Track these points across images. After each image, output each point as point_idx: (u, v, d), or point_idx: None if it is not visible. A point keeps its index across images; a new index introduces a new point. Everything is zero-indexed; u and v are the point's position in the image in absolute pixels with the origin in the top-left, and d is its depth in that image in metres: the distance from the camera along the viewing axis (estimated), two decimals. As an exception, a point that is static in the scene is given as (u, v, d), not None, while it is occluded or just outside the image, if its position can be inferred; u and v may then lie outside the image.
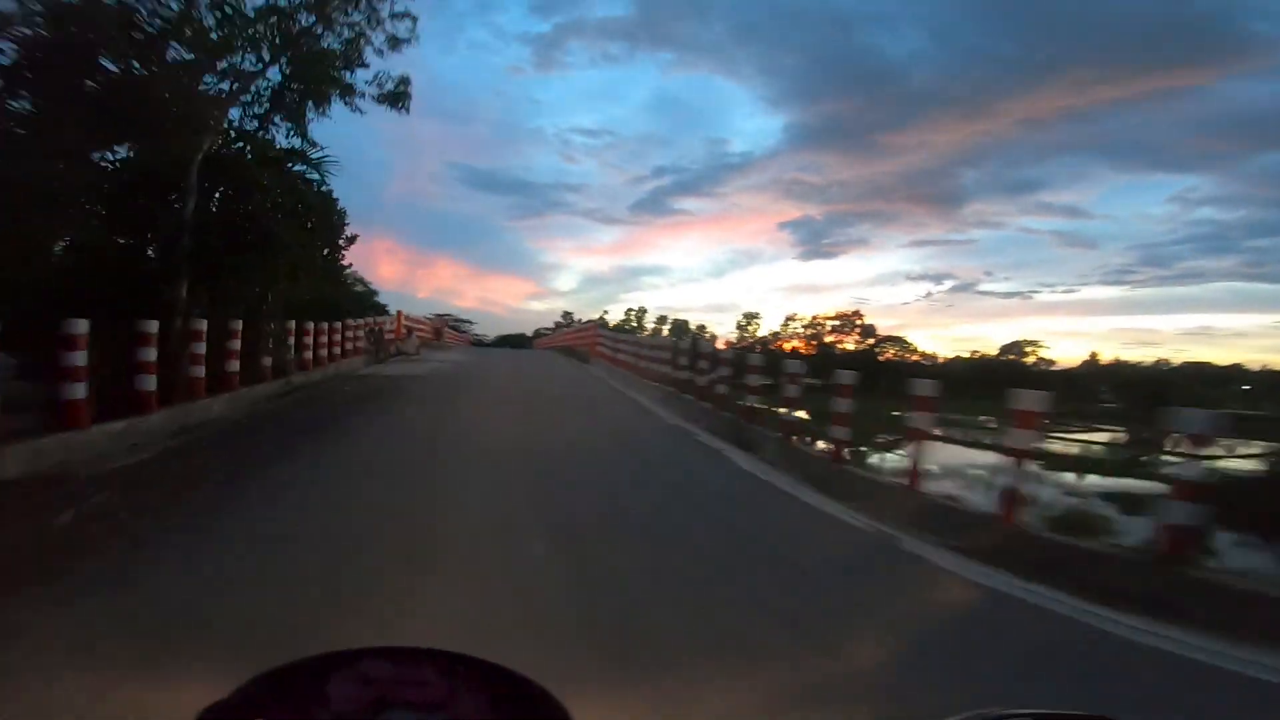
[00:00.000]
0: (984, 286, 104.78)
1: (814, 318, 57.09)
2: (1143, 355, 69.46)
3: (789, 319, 58.40)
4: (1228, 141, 77.59)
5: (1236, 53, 71.90)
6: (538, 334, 73.91)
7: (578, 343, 26.46)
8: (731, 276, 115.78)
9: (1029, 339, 55.44)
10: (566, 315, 75.40)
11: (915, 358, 54.82)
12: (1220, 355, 68.90)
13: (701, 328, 71.29)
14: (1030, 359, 53.79)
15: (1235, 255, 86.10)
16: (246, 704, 0.49)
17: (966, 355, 61.25)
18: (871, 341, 54.79)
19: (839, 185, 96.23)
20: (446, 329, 33.46)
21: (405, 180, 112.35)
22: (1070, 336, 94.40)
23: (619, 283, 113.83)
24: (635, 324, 69.60)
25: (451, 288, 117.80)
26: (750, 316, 65.29)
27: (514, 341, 69.45)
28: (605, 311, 74.06)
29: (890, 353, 53.14)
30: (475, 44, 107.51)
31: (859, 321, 54.89)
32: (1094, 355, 58.02)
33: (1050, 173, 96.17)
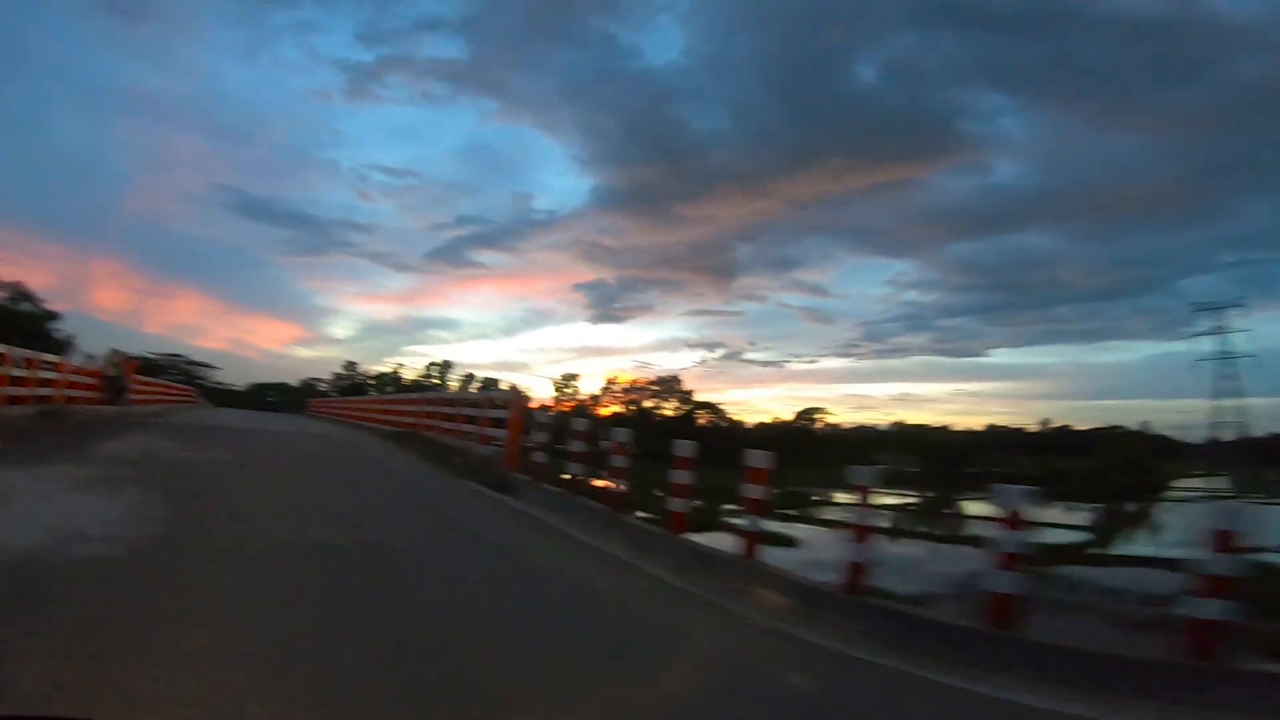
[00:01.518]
0: (748, 355, 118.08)
1: (633, 381, 58.44)
2: (863, 418, 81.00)
3: (609, 382, 59.23)
4: (931, 230, 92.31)
5: (946, 149, 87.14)
6: (307, 389, 62.03)
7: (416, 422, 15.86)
8: (523, 335, 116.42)
9: (815, 406, 62.43)
10: (350, 365, 66.80)
11: (725, 423, 58.64)
12: (918, 418, 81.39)
13: (514, 387, 69.58)
14: (819, 424, 60.40)
15: (929, 332, 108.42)
16: None
17: (767, 421, 67.16)
18: (687, 407, 57.56)
19: (633, 251, 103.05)
20: (130, 374, 18.35)
21: (149, 196, 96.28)
22: (811, 402, 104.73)
23: (404, 334, 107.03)
24: (437, 379, 64.90)
25: (194, 324, 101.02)
26: (569, 378, 64.98)
27: (271, 397, 57.46)
28: (399, 365, 68.29)
29: (705, 418, 56.13)
30: (281, 61, 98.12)
31: (678, 387, 57.13)
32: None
33: (805, 252, 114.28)
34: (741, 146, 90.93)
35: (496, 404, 11.00)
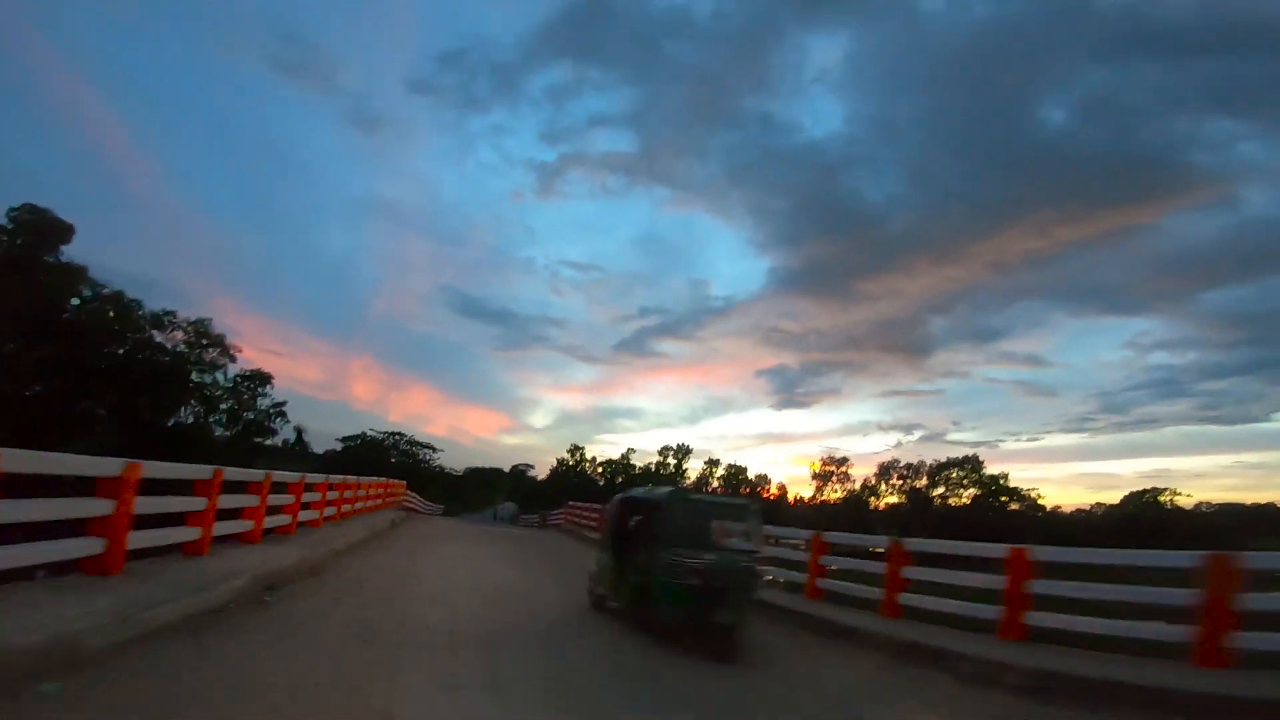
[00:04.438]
0: (952, 436, 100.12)
1: (931, 464, 50.56)
2: (1104, 498, 64.57)
3: (883, 468, 52.77)
4: (1175, 281, 75.29)
5: (1178, 189, 70.73)
6: (519, 477, 58.62)
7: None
8: (705, 422, 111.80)
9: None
10: (628, 455, 61.32)
11: (1035, 511, 48.29)
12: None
13: (764, 477, 64.82)
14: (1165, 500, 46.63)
15: (1188, 398, 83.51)
16: None
17: (1085, 507, 53.56)
18: (981, 490, 48.72)
19: (815, 333, 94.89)
20: (384, 488, 18.51)
21: (392, 298, 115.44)
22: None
23: (593, 423, 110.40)
24: (673, 469, 63.16)
25: (424, 413, 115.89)
26: (836, 462, 58.84)
27: (495, 496, 57.19)
28: (629, 451, 65.34)
29: (1010, 504, 46.90)
30: (482, 165, 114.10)
31: (981, 471, 48.21)
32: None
33: (1013, 320, 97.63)
34: (922, 210, 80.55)
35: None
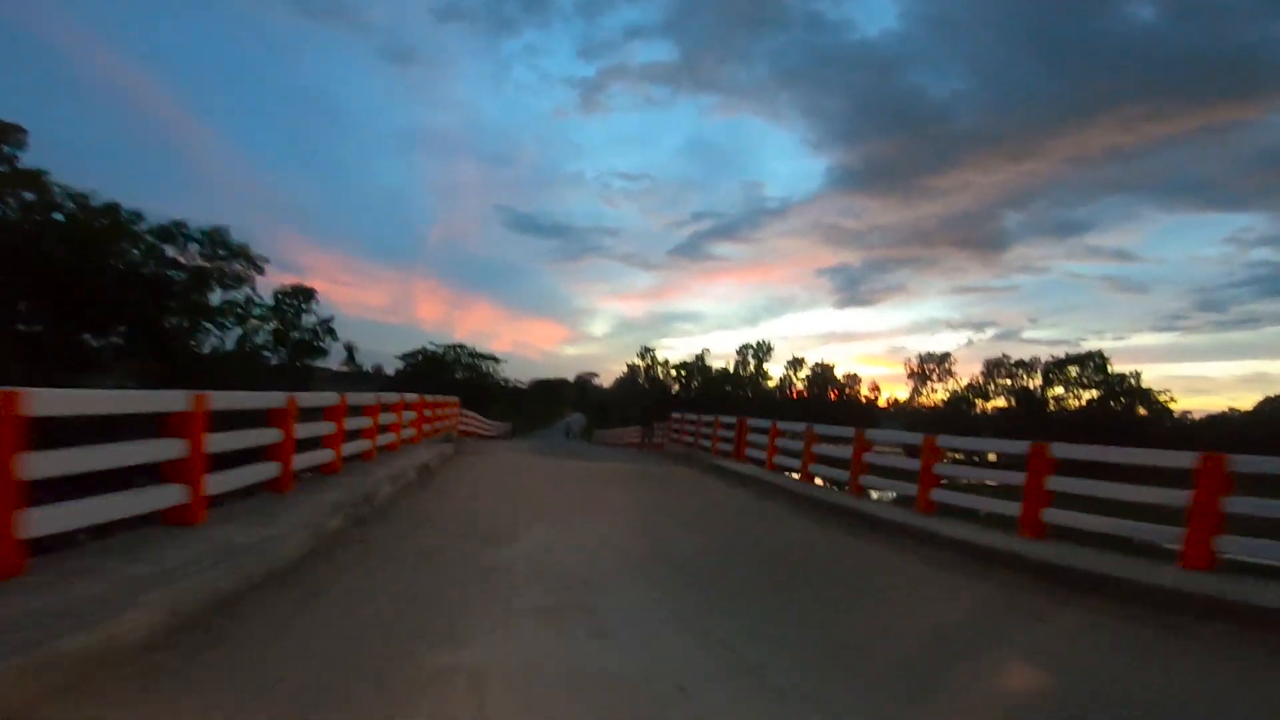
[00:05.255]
0: (1028, 334, 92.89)
1: (1047, 359, 46.27)
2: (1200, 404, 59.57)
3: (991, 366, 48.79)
4: None
5: None
6: (584, 395, 52.83)
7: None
8: (765, 323, 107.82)
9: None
10: (703, 356, 56.77)
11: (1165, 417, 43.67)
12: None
13: (855, 376, 61.45)
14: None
15: None
16: None
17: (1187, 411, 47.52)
18: (1099, 395, 44.33)
19: (878, 230, 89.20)
20: (448, 409, 16.49)
21: (449, 223, 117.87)
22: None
23: (651, 328, 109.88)
24: (753, 370, 60.02)
25: (488, 330, 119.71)
26: (938, 359, 54.69)
27: (563, 409, 53.52)
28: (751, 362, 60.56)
29: (1136, 407, 42.58)
30: (521, 86, 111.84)
31: (1107, 369, 43.77)
32: None
33: (1097, 214, 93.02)
34: (993, 106, 75.91)
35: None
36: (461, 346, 49.63)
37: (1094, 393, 43.55)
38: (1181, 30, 65.32)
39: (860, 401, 59.49)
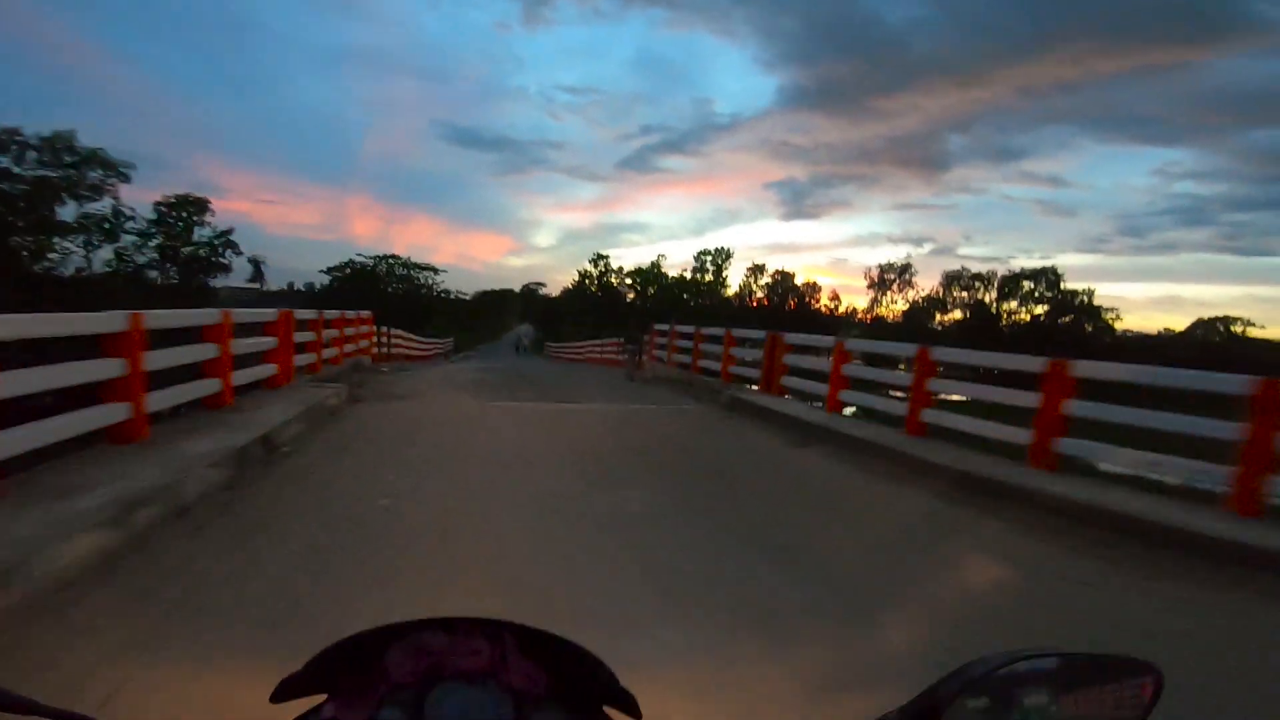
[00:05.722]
0: (963, 250, 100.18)
1: (1003, 273, 46.22)
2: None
3: (950, 279, 49.06)
4: (1218, 117, 78.28)
5: (1238, 31, 73.81)
6: (531, 297, 48.85)
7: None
8: (712, 234, 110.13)
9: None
10: (658, 263, 54.24)
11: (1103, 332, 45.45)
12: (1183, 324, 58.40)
13: (814, 284, 60.95)
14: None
15: (1210, 227, 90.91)
16: (316, 676, 0.52)
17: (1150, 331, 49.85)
18: (1047, 310, 45.52)
19: (826, 147, 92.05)
20: (357, 327, 12.21)
21: (383, 138, 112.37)
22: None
23: (598, 239, 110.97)
24: (711, 276, 58.83)
25: (428, 243, 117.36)
26: (898, 270, 53.96)
27: (510, 320, 49.27)
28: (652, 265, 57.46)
29: (1071, 323, 44.12)
30: (461, 0, 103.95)
31: (1060, 286, 44.55)
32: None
33: (1037, 142, 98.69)
34: (949, 35, 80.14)
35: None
36: (395, 258, 46.53)
37: (1044, 308, 44.85)
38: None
39: (822, 311, 59.77)
